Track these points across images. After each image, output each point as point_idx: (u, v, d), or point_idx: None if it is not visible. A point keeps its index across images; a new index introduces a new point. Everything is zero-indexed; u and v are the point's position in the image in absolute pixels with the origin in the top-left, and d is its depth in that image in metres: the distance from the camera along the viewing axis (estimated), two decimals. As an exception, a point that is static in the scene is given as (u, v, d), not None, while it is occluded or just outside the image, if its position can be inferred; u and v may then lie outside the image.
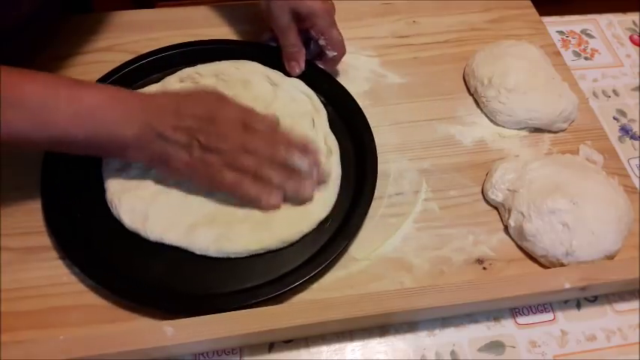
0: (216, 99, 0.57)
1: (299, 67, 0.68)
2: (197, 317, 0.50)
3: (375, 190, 0.60)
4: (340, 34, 0.67)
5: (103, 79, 0.65)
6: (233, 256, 0.56)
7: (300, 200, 0.58)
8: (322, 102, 0.67)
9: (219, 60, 0.69)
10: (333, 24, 0.67)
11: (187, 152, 0.54)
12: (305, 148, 0.58)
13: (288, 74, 0.69)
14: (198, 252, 0.56)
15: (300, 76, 0.68)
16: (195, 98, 0.57)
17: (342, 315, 0.50)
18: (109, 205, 0.57)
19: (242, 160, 0.55)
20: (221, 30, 0.76)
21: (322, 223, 0.58)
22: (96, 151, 0.56)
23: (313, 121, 0.65)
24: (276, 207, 0.57)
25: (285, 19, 0.65)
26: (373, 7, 0.81)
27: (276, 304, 0.52)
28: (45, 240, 0.57)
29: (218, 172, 0.55)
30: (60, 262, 0.55)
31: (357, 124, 0.65)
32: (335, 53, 0.68)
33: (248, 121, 0.57)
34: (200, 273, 0.55)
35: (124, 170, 0.59)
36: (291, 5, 0.65)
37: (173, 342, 0.48)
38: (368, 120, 0.65)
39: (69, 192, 0.58)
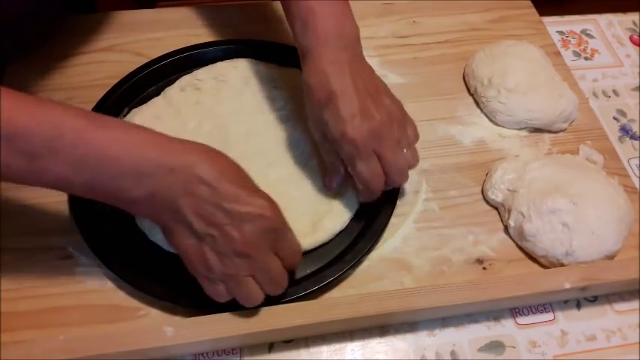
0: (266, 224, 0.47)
1: (328, 184, 0.59)
2: (197, 317, 0.50)
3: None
4: (373, 169, 0.54)
5: (104, 99, 0.65)
6: None
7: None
8: None
9: (215, 61, 0.69)
10: (358, 156, 0.53)
11: (193, 239, 0.46)
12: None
13: (283, 66, 0.69)
14: None
15: (297, 66, 0.69)
16: (241, 198, 0.46)
17: (342, 315, 0.50)
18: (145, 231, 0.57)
19: (241, 286, 0.47)
20: (221, 30, 0.76)
21: None
22: (95, 197, 0.46)
23: None
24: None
25: (317, 134, 0.57)
26: (374, 7, 0.81)
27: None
28: (45, 240, 0.57)
29: (213, 282, 0.48)
30: (60, 262, 0.56)
31: None
32: (360, 187, 0.56)
33: (274, 238, 0.48)
34: None
35: None
36: (320, 123, 0.55)
37: (173, 342, 0.48)
38: None
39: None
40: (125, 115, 0.65)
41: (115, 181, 0.44)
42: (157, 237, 0.56)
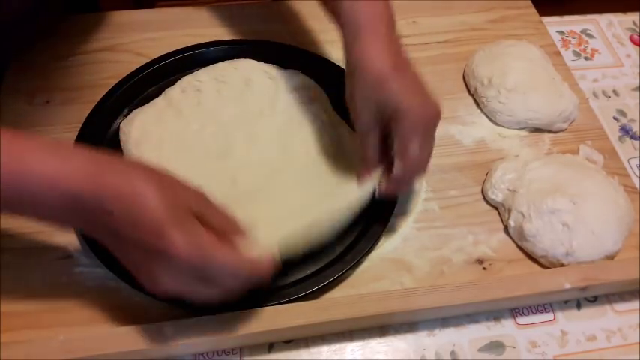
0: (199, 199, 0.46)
1: (365, 178, 0.55)
2: (197, 317, 0.50)
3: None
4: (424, 152, 0.52)
5: (104, 99, 0.65)
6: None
7: None
8: (323, 87, 0.68)
9: (216, 61, 0.69)
10: (419, 133, 0.50)
11: (130, 253, 0.44)
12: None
13: (283, 67, 0.69)
14: None
15: (297, 66, 0.69)
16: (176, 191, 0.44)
17: (342, 315, 0.50)
18: None
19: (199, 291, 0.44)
20: (221, 30, 0.76)
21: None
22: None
23: (320, 106, 0.66)
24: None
25: (367, 115, 0.52)
26: (373, 7, 0.80)
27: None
28: (45, 240, 0.57)
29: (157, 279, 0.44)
30: (60, 262, 0.56)
31: None
32: (399, 171, 0.52)
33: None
34: None
35: None
36: (379, 98, 0.51)
37: (173, 342, 0.48)
38: None
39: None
40: (126, 115, 0.65)
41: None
42: None
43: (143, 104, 0.66)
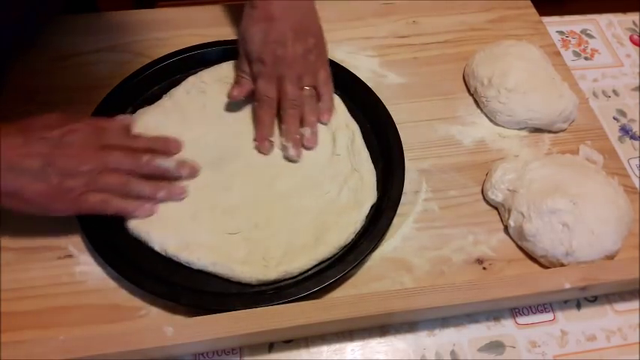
0: (61, 119, 0.53)
1: (237, 92, 0.63)
2: (197, 317, 0.50)
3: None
4: (268, 90, 0.62)
5: (108, 97, 0.65)
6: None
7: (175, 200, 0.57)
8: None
9: (220, 61, 0.69)
10: (264, 76, 0.61)
11: (43, 180, 0.50)
12: (167, 146, 0.58)
13: None
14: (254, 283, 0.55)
15: None
16: (40, 122, 0.52)
17: (342, 315, 0.50)
18: (137, 234, 0.56)
19: (106, 180, 0.53)
20: (221, 30, 0.76)
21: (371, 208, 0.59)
22: None
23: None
24: (151, 215, 0.56)
25: (241, 49, 0.63)
26: (373, 7, 0.81)
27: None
28: (45, 240, 0.57)
29: (81, 196, 0.52)
30: (60, 262, 0.56)
31: (370, 105, 0.66)
32: (256, 103, 0.63)
33: (101, 136, 0.54)
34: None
35: None
36: (247, 42, 0.62)
37: (173, 342, 0.48)
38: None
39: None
40: (130, 114, 0.65)
41: None
42: (155, 243, 0.56)
43: (147, 103, 0.66)
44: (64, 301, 0.53)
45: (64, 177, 0.50)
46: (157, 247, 0.55)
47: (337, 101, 0.66)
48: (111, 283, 0.55)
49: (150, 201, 0.56)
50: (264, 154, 0.62)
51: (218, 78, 0.67)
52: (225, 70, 0.68)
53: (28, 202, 0.51)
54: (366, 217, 0.58)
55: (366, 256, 0.56)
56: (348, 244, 0.57)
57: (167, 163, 0.57)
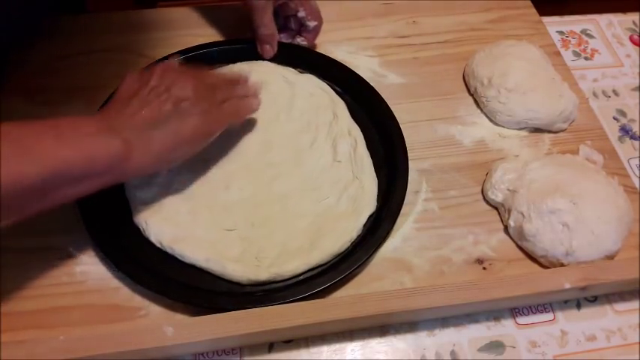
0: (138, 73, 0.55)
1: (272, 49, 0.69)
2: (197, 317, 0.50)
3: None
4: (316, 3, 0.69)
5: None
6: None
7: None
8: (338, 92, 0.68)
9: (234, 61, 0.69)
10: None
11: (188, 115, 0.53)
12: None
13: (301, 70, 0.69)
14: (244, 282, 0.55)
15: (312, 70, 0.69)
16: (129, 85, 0.54)
17: (342, 315, 0.50)
18: (140, 228, 0.56)
19: (219, 93, 0.57)
20: (221, 30, 0.76)
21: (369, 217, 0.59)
22: (98, 176, 0.49)
23: (335, 114, 0.65)
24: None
25: None
26: (373, 7, 0.81)
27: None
28: (45, 240, 0.57)
29: (220, 110, 0.56)
30: (60, 262, 0.56)
31: (376, 109, 0.66)
32: (315, 23, 0.70)
33: (176, 67, 0.57)
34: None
35: (144, 188, 0.58)
36: None
37: (173, 342, 0.48)
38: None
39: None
40: None
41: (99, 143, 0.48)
42: (151, 233, 0.56)
43: None
44: (64, 301, 0.53)
45: (196, 103, 0.53)
46: (153, 238, 0.55)
47: (341, 106, 0.66)
48: (111, 283, 0.55)
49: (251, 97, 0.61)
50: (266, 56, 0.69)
51: None
52: (237, 70, 0.68)
53: (189, 142, 0.54)
54: (364, 225, 0.58)
55: (359, 266, 0.55)
56: (343, 252, 0.57)
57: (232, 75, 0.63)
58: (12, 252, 0.56)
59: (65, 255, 0.56)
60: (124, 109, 0.51)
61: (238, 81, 0.61)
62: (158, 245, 0.55)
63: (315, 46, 0.73)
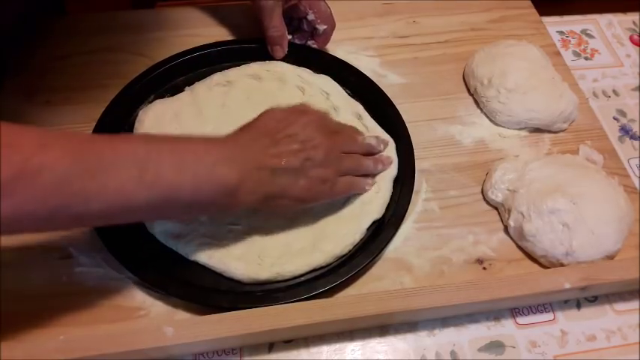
0: (284, 113, 0.54)
1: (282, 50, 0.69)
2: (197, 317, 0.50)
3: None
4: (328, 6, 0.69)
5: (127, 88, 0.65)
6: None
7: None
8: (350, 95, 0.68)
9: (248, 60, 0.69)
10: None
11: (305, 176, 0.52)
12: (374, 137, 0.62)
13: (316, 72, 0.69)
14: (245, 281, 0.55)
15: (326, 72, 0.69)
16: (268, 121, 0.53)
17: (342, 315, 0.50)
18: (145, 223, 0.57)
19: (346, 164, 0.56)
20: (221, 30, 0.76)
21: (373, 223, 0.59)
22: (200, 206, 0.50)
23: (358, 114, 0.66)
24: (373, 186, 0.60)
25: None
26: (373, 7, 0.81)
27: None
28: (45, 240, 0.56)
29: (335, 184, 0.55)
30: (60, 262, 0.56)
31: (387, 116, 0.66)
32: (325, 26, 0.70)
33: (326, 122, 0.57)
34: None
35: None
36: None
37: (173, 342, 0.48)
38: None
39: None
40: (151, 102, 0.65)
41: (214, 172, 0.48)
42: (155, 230, 0.56)
43: (169, 92, 0.66)
44: (63, 301, 0.53)
45: (320, 168, 0.53)
46: (158, 235, 0.56)
47: (360, 108, 0.66)
48: (111, 283, 0.55)
49: (371, 175, 0.60)
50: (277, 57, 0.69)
51: (244, 77, 0.67)
52: (253, 69, 0.68)
53: (293, 199, 0.53)
54: (368, 229, 0.58)
55: (359, 270, 0.55)
56: (345, 254, 0.57)
57: (371, 140, 0.61)
58: (12, 252, 0.56)
59: (65, 255, 0.56)
60: (252, 144, 0.51)
61: (373, 153, 0.60)
62: (163, 241, 0.55)
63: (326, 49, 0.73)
